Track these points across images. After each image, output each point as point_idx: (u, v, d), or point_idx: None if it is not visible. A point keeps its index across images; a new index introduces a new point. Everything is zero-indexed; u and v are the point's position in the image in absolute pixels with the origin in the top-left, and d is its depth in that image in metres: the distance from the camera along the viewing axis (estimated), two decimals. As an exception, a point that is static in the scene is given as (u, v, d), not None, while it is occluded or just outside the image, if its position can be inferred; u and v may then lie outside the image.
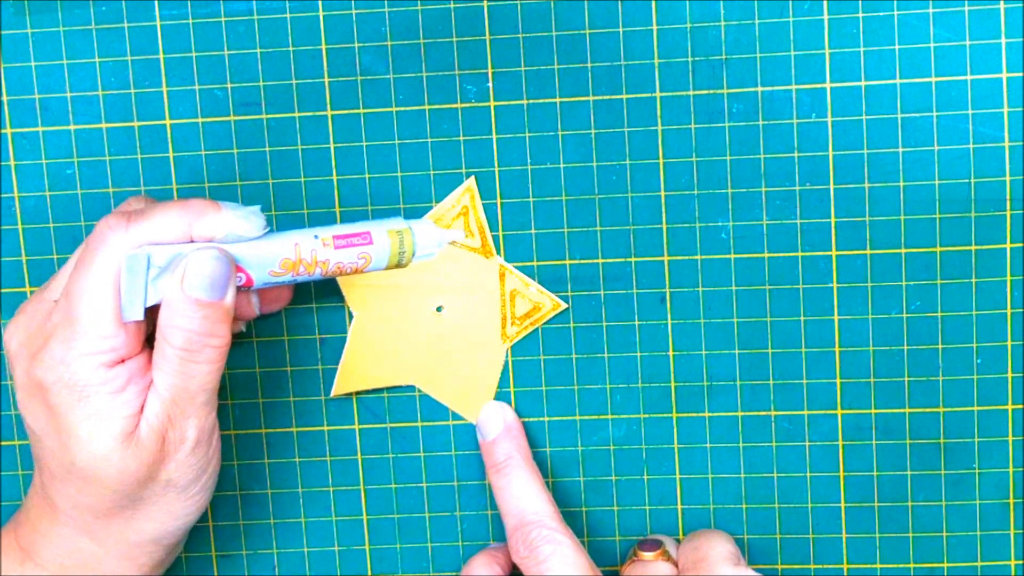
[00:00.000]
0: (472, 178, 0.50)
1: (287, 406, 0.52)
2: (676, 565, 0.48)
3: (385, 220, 0.47)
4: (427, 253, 0.48)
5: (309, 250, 0.44)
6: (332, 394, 0.51)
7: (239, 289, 0.44)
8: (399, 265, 0.47)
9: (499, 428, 0.49)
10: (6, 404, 0.52)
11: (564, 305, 0.50)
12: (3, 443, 0.53)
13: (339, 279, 0.50)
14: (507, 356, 0.51)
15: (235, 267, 0.43)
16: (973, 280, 0.49)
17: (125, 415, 0.43)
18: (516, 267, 0.50)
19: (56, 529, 0.45)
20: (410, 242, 0.47)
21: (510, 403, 0.51)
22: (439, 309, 0.50)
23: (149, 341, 0.44)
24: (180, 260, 0.42)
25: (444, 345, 0.51)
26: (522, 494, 0.47)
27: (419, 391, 0.51)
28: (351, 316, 0.51)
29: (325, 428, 0.52)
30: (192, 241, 0.43)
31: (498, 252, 0.50)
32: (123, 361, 0.43)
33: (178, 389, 0.43)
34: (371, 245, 0.46)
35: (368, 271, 0.46)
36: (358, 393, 0.51)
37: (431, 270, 0.50)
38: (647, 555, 0.47)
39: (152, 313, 0.43)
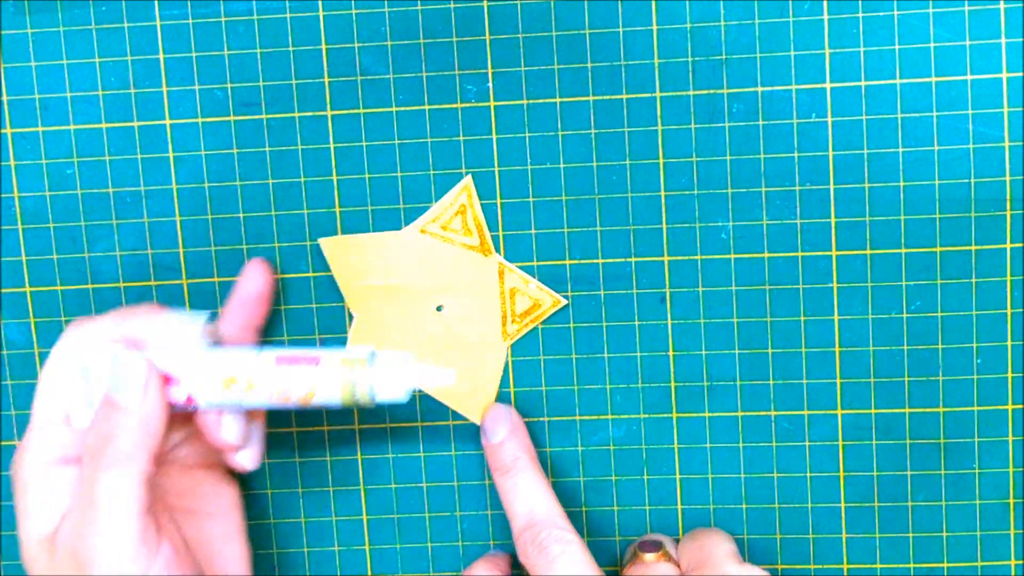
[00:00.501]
0: (469, 176, 0.50)
1: (287, 406, 0.52)
2: (678, 565, 0.48)
3: (349, 349, 0.43)
4: (392, 397, 0.42)
5: (248, 367, 0.42)
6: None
7: (180, 409, 0.43)
8: (358, 405, 0.42)
9: (506, 430, 0.49)
10: (6, 404, 0.52)
11: (564, 301, 0.50)
12: (3, 443, 0.53)
13: (338, 280, 0.50)
14: (508, 355, 0.51)
15: (156, 375, 0.41)
16: (973, 280, 0.49)
17: (50, 516, 0.42)
18: (516, 266, 0.50)
19: None
20: (365, 378, 0.41)
21: (510, 403, 0.51)
22: (439, 309, 0.50)
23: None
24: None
25: (445, 345, 0.51)
26: (530, 495, 0.47)
27: (419, 391, 0.51)
28: (351, 317, 0.51)
29: (325, 428, 0.52)
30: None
31: (498, 252, 0.50)
32: (64, 461, 0.43)
33: (84, 497, 0.41)
34: (315, 368, 0.41)
35: (317, 404, 0.42)
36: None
37: (430, 270, 0.50)
38: (649, 556, 0.47)
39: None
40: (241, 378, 0.42)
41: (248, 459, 0.46)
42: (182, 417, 0.46)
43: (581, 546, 0.46)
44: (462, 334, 0.50)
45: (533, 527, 0.46)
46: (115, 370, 0.41)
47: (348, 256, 0.50)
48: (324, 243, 0.50)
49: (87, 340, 0.43)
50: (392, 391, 0.42)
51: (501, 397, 0.51)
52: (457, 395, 0.51)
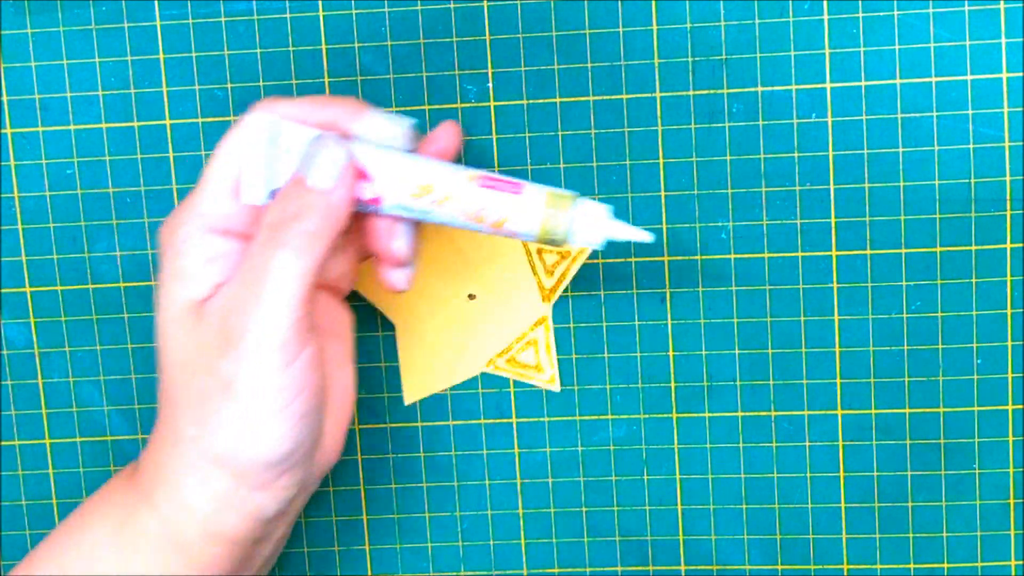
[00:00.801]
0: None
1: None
2: None
3: (550, 186, 0.42)
4: (588, 241, 0.41)
5: (450, 180, 0.40)
6: (407, 402, 0.51)
7: (361, 208, 0.41)
8: (552, 243, 0.41)
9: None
10: (6, 404, 0.52)
11: (557, 387, 0.50)
12: (3, 443, 0.53)
13: (367, 295, 0.50)
14: (551, 315, 0.50)
15: (353, 166, 0.40)
16: (973, 280, 0.49)
17: (207, 284, 0.41)
18: None
19: (181, 458, 0.41)
20: (567, 217, 0.40)
21: (510, 404, 0.51)
22: (471, 297, 0.50)
23: None
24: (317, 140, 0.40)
25: (487, 328, 0.50)
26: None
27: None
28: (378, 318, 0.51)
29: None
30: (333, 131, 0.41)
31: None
32: (225, 233, 0.41)
33: (248, 271, 0.40)
34: (517, 196, 0.40)
35: (510, 232, 0.41)
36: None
37: (453, 264, 0.50)
38: None
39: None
40: (439, 188, 0.40)
41: (404, 279, 0.44)
42: None
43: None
44: (501, 311, 0.50)
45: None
46: (314, 150, 0.40)
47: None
48: None
49: (281, 116, 0.41)
50: (590, 236, 0.41)
51: (502, 398, 0.51)
52: (521, 367, 0.50)
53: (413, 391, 0.51)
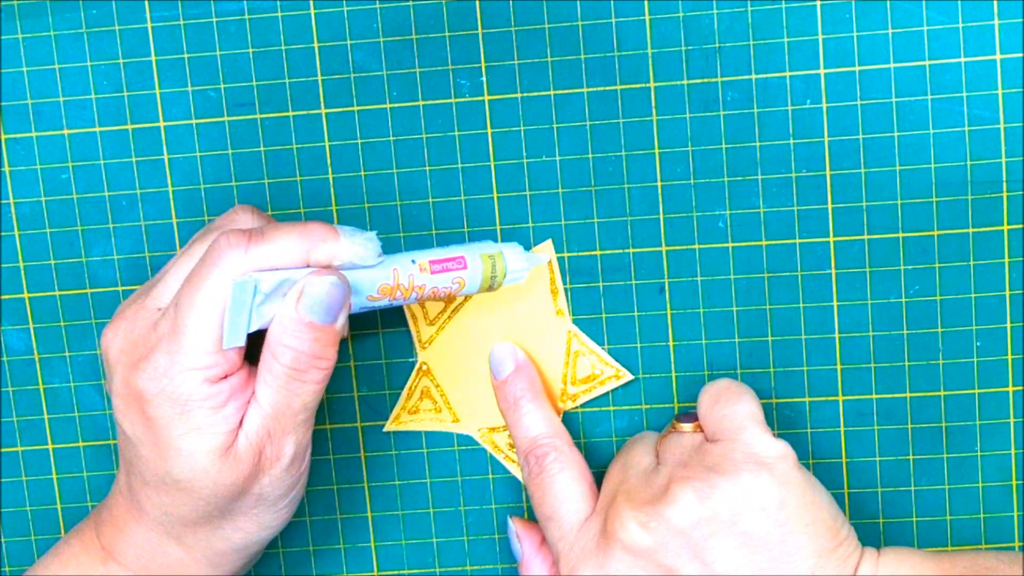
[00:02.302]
0: (549, 241, 0.50)
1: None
2: None
3: (476, 244, 0.47)
4: (517, 277, 0.48)
5: (407, 275, 0.45)
6: (386, 429, 0.52)
7: None
8: (490, 289, 0.47)
9: (511, 368, 0.49)
10: (7, 410, 0.52)
11: (628, 376, 0.50)
12: (5, 449, 0.53)
13: (410, 322, 0.51)
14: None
15: (348, 292, 0.43)
16: (971, 263, 0.49)
17: (225, 430, 0.43)
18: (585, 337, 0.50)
19: (142, 532, 0.46)
20: (501, 266, 0.47)
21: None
22: None
23: (249, 356, 0.44)
24: (291, 284, 0.42)
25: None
26: (532, 421, 0.48)
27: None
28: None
29: (327, 427, 0.52)
30: (308, 266, 0.43)
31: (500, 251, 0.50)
32: (226, 377, 0.43)
33: (281, 406, 0.43)
34: (465, 270, 0.46)
35: (460, 295, 0.47)
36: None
37: (502, 322, 0.50)
38: (685, 426, 0.47)
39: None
40: (403, 286, 0.44)
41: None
42: None
43: (580, 466, 0.47)
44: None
45: (535, 448, 0.48)
46: (316, 293, 0.42)
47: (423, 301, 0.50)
48: None
49: (254, 266, 0.42)
50: (516, 276, 0.48)
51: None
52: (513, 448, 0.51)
53: (399, 424, 0.52)
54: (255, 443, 0.43)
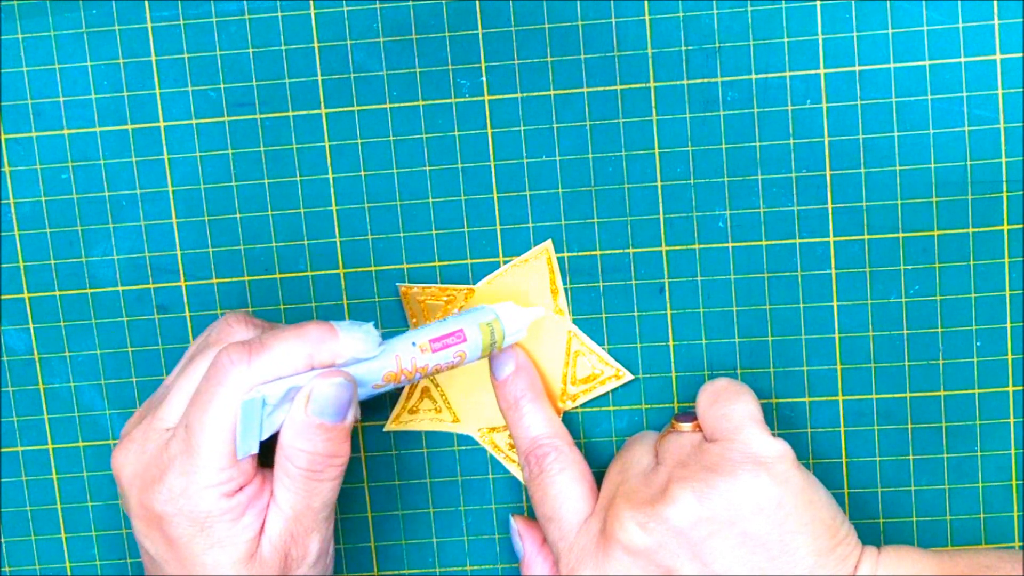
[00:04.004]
0: (549, 241, 0.50)
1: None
2: None
3: (472, 313, 0.48)
4: (516, 336, 0.49)
5: (409, 359, 0.45)
6: (386, 428, 0.52)
7: None
8: (489, 353, 0.48)
9: (511, 368, 0.49)
10: (7, 411, 0.52)
11: (628, 375, 0.50)
12: (5, 449, 0.53)
13: (410, 323, 0.51)
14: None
15: (354, 388, 0.43)
16: (971, 263, 0.49)
17: (247, 539, 0.43)
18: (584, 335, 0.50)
19: None
20: (500, 331, 0.48)
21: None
22: None
23: (262, 459, 0.44)
24: (298, 389, 0.43)
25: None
26: (533, 421, 0.48)
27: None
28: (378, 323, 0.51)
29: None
30: (312, 368, 0.43)
31: (499, 249, 0.50)
32: (242, 488, 0.43)
33: (301, 507, 0.44)
34: (465, 343, 0.46)
35: (464, 365, 0.47)
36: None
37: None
38: (684, 426, 0.47)
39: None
40: (406, 370, 0.45)
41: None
42: None
43: (581, 466, 0.47)
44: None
45: (535, 449, 0.48)
46: (323, 395, 0.43)
47: (424, 301, 0.50)
48: (401, 288, 0.50)
49: (259, 379, 0.42)
50: (514, 337, 0.49)
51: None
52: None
53: (400, 425, 0.52)
54: (279, 546, 0.44)
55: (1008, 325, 0.49)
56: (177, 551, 0.43)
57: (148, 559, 0.45)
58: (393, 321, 0.51)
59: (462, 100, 0.50)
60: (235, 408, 0.42)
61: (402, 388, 0.51)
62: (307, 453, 0.43)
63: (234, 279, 0.51)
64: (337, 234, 0.51)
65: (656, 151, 0.49)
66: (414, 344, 0.45)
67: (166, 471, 0.43)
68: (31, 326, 0.52)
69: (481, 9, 0.49)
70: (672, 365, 0.50)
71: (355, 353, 0.43)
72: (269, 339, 0.43)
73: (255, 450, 0.43)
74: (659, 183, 0.49)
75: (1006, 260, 0.49)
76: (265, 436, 0.43)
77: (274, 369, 0.42)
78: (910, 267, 0.49)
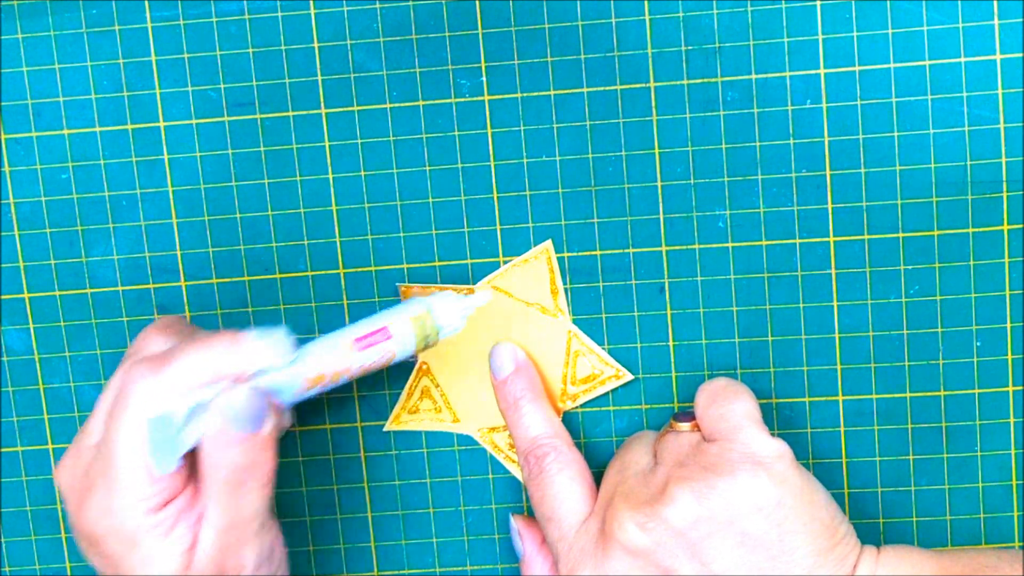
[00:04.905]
0: (549, 241, 0.50)
1: (289, 405, 0.52)
2: None
3: (403, 306, 0.46)
4: (453, 328, 0.47)
5: (331, 363, 0.44)
6: (386, 428, 0.52)
7: None
8: (427, 348, 0.46)
9: (511, 368, 0.49)
10: (7, 410, 0.52)
11: (628, 375, 0.50)
12: (5, 449, 0.53)
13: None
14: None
15: (268, 397, 0.43)
16: (971, 263, 0.49)
17: (179, 552, 0.43)
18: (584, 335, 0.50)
19: None
20: (432, 325, 0.46)
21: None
22: None
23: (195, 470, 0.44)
24: (206, 404, 0.42)
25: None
26: (532, 421, 0.48)
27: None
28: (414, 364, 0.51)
29: (327, 427, 0.52)
30: (219, 380, 0.42)
31: (499, 250, 0.50)
32: (168, 503, 0.43)
33: (231, 519, 0.43)
34: (390, 340, 0.45)
35: (395, 363, 0.46)
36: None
37: (500, 323, 0.50)
38: (682, 426, 0.47)
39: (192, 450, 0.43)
40: (328, 373, 0.44)
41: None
42: None
43: (580, 466, 0.47)
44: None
45: (534, 448, 0.48)
46: (233, 406, 0.42)
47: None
48: (401, 287, 0.50)
49: (167, 390, 0.42)
50: (453, 326, 0.47)
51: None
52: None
53: (399, 424, 0.52)
54: (214, 558, 0.43)
55: (1008, 325, 0.49)
56: (114, 566, 0.43)
57: (98, 572, 0.45)
58: (393, 321, 0.51)
59: (462, 100, 0.50)
60: (144, 427, 0.42)
61: (402, 389, 0.51)
62: (226, 466, 0.42)
63: (234, 279, 0.51)
64: (337, 234, 0.51)
65: (656, 151, 0.49)
66: (337, 346, 0.44)
67: (90, 490, 0.43)
68: (31, 326, 0.52)
69: (481, 9, 0.49)
70: (672, 365, 0.50)
71: (263, 363, 0.42)
72: (174, 353, 0.42)
73: (174, 466, 0.42)
74: (659, 183, 0.49)
75: (1006, 260, 0.49)
76: (183, 451, 0.42)
77: (179, 382, 0.42)
78: (910, 267, 0.49)
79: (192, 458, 0.43)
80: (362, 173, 0.50)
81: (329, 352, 0.44)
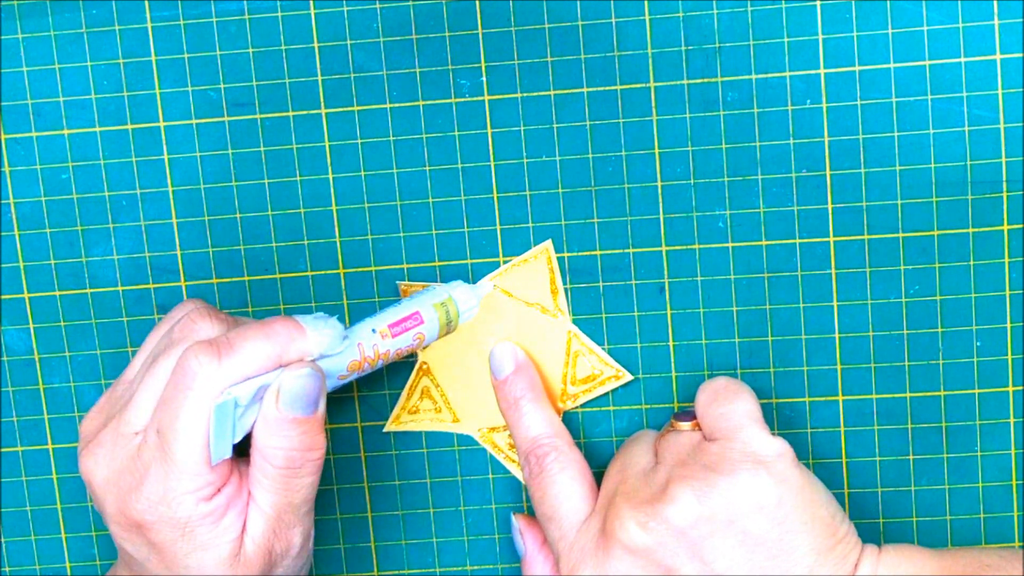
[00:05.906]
0: (549, 241, 0.50)
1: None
2: None
3: (425, 294, 0.49)
4: (470, 314, 0.50)
5: (371, 346, 0.46)
6: (386, 429, 0.52)
7: None
8: (447, 332, 0.49)
9: (511, 368, 0.50)
10: (7, 410, 0.52)
11: (628, 376, 0.50)
12: (5, 449, 0.53)
13: None
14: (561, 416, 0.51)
15: (323, 379, 0.43)
16: (971, 263, 0.49)
17: (230, 539, 0.43)
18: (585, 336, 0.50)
19: None
20: (454, 310, 0.49)
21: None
22: None
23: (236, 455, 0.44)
24: (267, 387, 0.42)
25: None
26: (533, 421, 0.48)
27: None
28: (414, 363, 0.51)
29: (327, 427, 0.52)
30: (280, 366, 0.43)
31: (499, 249, 0.50)
32: (220, 490, 0.43)
33: (282, 504, 0.44)
34: (422, 324, 0.47)
35: (422, 348, 0.48)
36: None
37: (499, 323, 0.50)
38: (683, 425, 0.47)
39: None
40: (369, 358, 0.46)
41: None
42: None
43: (580, 466, 0.47)
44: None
45: (535, 448, 0.48)
46: (294, 389, 0.42)
47: None
48: (401, 287, 0.51)
49: (228, 381, 0.42)
50: (468, 314, 0.50)
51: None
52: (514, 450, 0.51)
53: (399, 425, 0.52)
54: (262, 544, 0.44)
55: (1008, 325, 0.49)
56: (160, 554, 0.43)
57: (128, 558, 0.45)
58: (393, 321, 0.51)
59: (462, 100, 0.50)
60: (207, 412, 0.42)
61: (402, 389, 0.51)
62: (284, 450, 0.43)
63: (234, 279, 0.51)
64: (337, 234, 0.51)
65: (656, 151, 0.49)
66: (374, 331, 0.46)
67: (143, 479, 0.43)
68: (31, 326, 0.52)
69: (481, 9, 0.49)
70: (672, 365, 0.50)
71: (323, 349, 0.43)
72: (237, 339, 0.42)
73: (229, 454, 0.43)
74: (659, 183, 0.49)
75: (1006, 260, 0.49)
76: (238, 439, 0.43)
77: (243, 370, 0.42)
78: (910, 267, 0.49)
79: (237, 446, 0.43)
80: (362, 173, 0.50)
81: (368, 338, 0.46)
